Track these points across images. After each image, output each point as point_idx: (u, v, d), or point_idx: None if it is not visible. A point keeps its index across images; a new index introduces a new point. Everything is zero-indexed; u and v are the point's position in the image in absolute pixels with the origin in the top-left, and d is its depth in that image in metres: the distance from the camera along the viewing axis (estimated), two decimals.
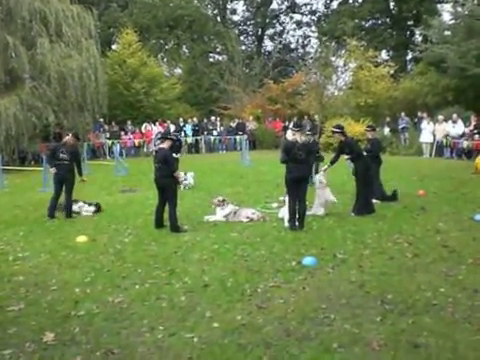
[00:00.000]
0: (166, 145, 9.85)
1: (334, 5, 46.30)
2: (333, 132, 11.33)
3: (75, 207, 11.59)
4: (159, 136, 13.97)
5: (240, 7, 54.75)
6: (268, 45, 49.94)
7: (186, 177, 14.64)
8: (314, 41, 46.97)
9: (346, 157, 11.08)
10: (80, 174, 11.48)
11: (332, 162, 10.98)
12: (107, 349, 4.76)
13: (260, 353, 4.62)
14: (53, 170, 11.33)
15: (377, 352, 4.58)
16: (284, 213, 9.87)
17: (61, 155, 11.18)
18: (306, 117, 28.36)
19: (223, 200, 10.62)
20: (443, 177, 16.12)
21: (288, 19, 50.33)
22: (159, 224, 9.83)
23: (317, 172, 14.74)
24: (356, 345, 4.70)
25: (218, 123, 30.43)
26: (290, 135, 9.61)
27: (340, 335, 4.93)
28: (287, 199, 9.61)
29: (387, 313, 5.41)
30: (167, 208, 9.69)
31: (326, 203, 10.77)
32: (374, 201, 11.23)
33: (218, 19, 47.39)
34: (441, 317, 5.28)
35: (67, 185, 11.22)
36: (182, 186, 13.05)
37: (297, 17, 50.01)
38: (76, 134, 12.02)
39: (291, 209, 9.44)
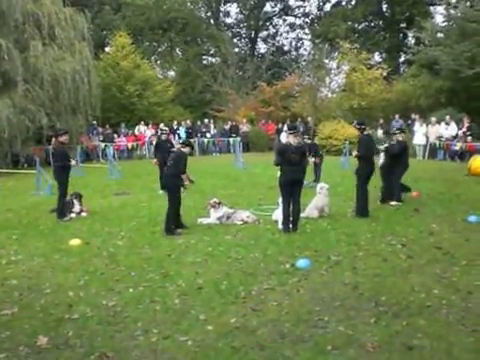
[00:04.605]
0: (187, 150, 9.96)
1: (327, 7, 46.62)
2: (354, 127, 11.97)
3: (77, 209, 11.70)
4: (181, 141, 14.08)
5: (233, 9, 54.99)
6: (261, 47, 50.07)
7: None
8: (307, 43, 47.28)
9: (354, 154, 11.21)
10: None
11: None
12: (101, 353, 4.75)
13: (254, 356, 4.61)
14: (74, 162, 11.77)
15: (371, 354, 4.58)
16: (278, 215, 9.87)
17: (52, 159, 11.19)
18: (299, 119, 28.39)
19: (219, 203, 10.58)
20: (436, 179, 16.19)
21: (281, 21, 50.56)
22: (179, 224, 9.83)
23: (318, 177, 14.82)
24: (350, 347, 4.71)
25: (211, 125, 30.41)
26: (284, 138, 9.61)
27: (334, 337, 4.93)
28: (281, 201, 9.61)
29: (381, 315, 5.42)
30: (167, 208, 9.65)
31: (322, 209, 10.78)
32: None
33: (211, 21, 47.41)
34: (435, 319, 5.30)
35: (60, 187, 11.20)
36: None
37: (290, 19, 50.24)
38: (58, 134, 11.51)
39: (285, 211, 9.44)
